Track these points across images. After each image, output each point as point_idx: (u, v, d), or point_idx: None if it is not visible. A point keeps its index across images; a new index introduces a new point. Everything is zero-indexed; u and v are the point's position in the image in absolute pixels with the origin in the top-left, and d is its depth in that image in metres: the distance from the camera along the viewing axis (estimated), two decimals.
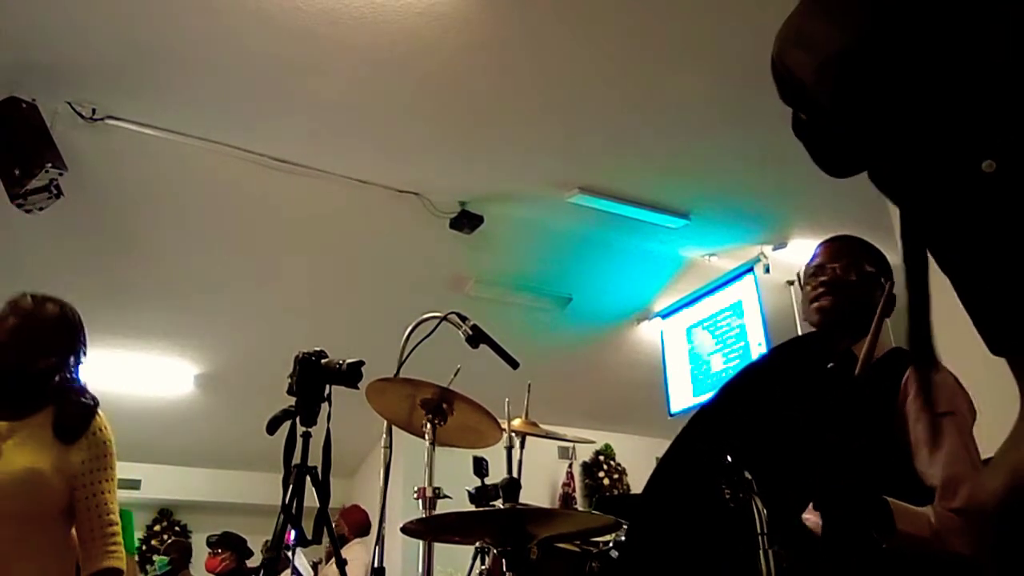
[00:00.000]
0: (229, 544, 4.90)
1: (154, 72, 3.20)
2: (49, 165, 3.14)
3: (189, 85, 3.29)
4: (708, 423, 1.15)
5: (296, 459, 1.84)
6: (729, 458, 0.99)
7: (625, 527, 1.74)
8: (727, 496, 0.97)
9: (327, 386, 1.91)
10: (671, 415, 4.98)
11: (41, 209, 3.32)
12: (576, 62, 3.20)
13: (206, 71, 3.20)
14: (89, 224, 3.98)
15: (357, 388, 1.95)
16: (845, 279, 1.48)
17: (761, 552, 0.91)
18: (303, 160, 3.81)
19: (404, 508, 2.49)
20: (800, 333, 4.36)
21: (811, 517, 1.32)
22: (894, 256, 1.66)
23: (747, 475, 0.96)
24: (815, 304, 1.50)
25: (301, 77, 3.26)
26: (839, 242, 1.57)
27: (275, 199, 4.06)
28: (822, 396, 1.42)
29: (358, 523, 4.94)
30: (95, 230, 4.05)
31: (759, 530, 0.92)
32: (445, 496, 2.07)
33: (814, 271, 1.52)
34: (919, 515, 1.22)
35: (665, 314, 5.25)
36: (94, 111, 3.37)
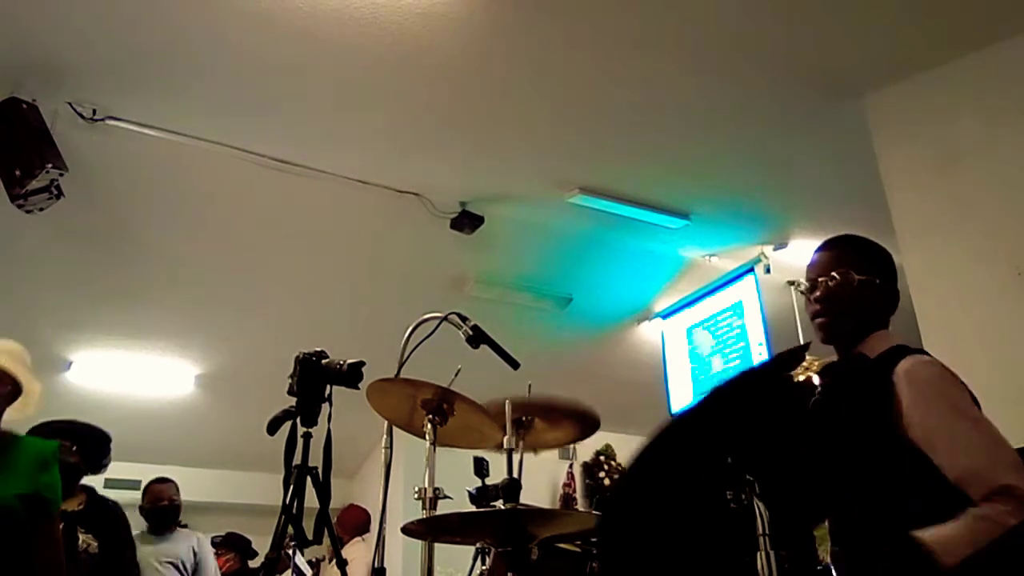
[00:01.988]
0: (233, 545, 4.89)
1: (154, 72, 3.20)
2: (50, 165, 3.14)
3: (190, 86, 3.29)
4: (697, 424, 1.14)
5: (297, 459, 1.84)
6: (730, 460, 0.99)
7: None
8: (729, 498, 0.97)
9: (328, 386, 1.91)
10: (672, 415, 4.98)
11: (42, 210, 3.32)
12: (577, 63, 3.20)
13: (207, 72, 3.20)
14: (89, 224, 3.98)
15: (358, 388, 1.95)
16: (839, 293, 1.50)
17: (763, 554, 0.91)
18: (304, 161, 3.81)
19: (405, 508, 2.48)
20: (800, 333, 4.35)
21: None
22: (894, 256, 1.66)
23: (749, 477, 0.96)
24: (816, 322, 1.53)
25: (302, 78, 3.26)
26: (830, 252, 1.58)
27: (276, 200, 4.06)
28: (823, 398, 1.42)
29: (354, 524, 4.93)
30: (95, 230, 4.05)
31: (761, 531, 0.92)
32: (446, 497, 2.07)
33: (809, 286, 1.55)
34: (956, 537, 1.19)
35: (666, 314, 5.25)
36: (95, 111, 3.37)
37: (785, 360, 1.17)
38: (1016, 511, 1.19)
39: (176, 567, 3.62)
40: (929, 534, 1.19)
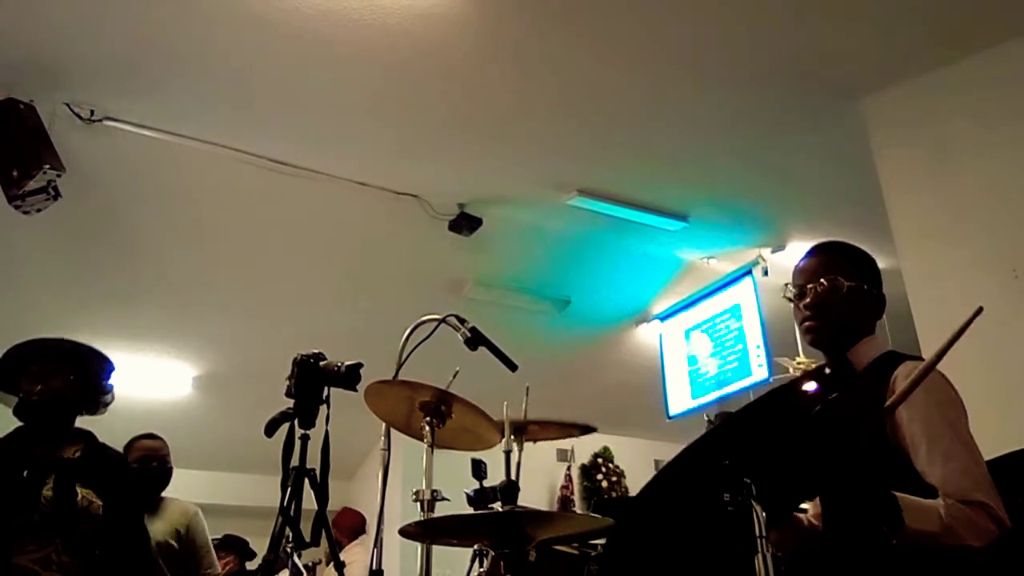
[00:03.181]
0: (231, 546, 4.89)
1: (153, 73, 3.20)
2: (47, 166, 3.14)
3: (188, 87, 3.29)
4: (717, 442, 1.15)
5: (294, 461, 1.83)
6: (728, 462, 1.00)
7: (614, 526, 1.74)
8: (726, 500, 0.97)
9: (325, 388, 1.90)
10: (669, 418, 4.98)
11: (39, 210, 3.31)
12: (575, 65, 3.21)
13: (205, 73, 3.20)
14: (87, 225, 3.98)
15: (356, 390, 1.95)
16: (828, 299, 1.51)
17: (760, 556, 0.91)
18: (302, 162, 3.81)
19: (403, 510, 2.48)
20: (798, 336, 4.36)
21: (811, 509, 1.32)
22: (887, 259, 1.66)
23: (746, 479, 0.96)
24: (804, 325, 1.54)
25: (300, 79, 3.26)
26: (817, 258, 1.59)
27: (274, 201, 4.06)
28: (818, 400, 1.42)
29: (350, 527, 4.93)
30: (93, 231, 4.04)
31: (758, 533, 0.92)
32: (443, 499, 2.06)
33: (798, 292, 1.55)
34: (928, 509, 1.23)
35: (664, 316, 5.25)
36: (92, 112, 3.37)
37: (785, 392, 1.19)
38: (991, 523, 1.22)
39: (163, 548, 2.86)
40: (905, 496, 1.22)
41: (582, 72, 3.25)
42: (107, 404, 2.38)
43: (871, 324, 1.55)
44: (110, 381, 2.38)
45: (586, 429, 2.59)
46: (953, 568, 1.22)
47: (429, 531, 1.94)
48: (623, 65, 3.20)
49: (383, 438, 2.24)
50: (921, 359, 1.47)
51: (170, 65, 3.15)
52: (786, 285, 1.60)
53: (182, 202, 4.03)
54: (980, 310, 1.11)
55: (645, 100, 3.42)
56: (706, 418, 4.47)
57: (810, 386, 1.36)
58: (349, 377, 1.89)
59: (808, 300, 1.52)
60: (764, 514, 0.93)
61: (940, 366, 1.43)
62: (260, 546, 1.93)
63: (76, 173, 3.42)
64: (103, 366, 2.36)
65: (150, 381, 5.37)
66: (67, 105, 3.32)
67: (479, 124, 3.59)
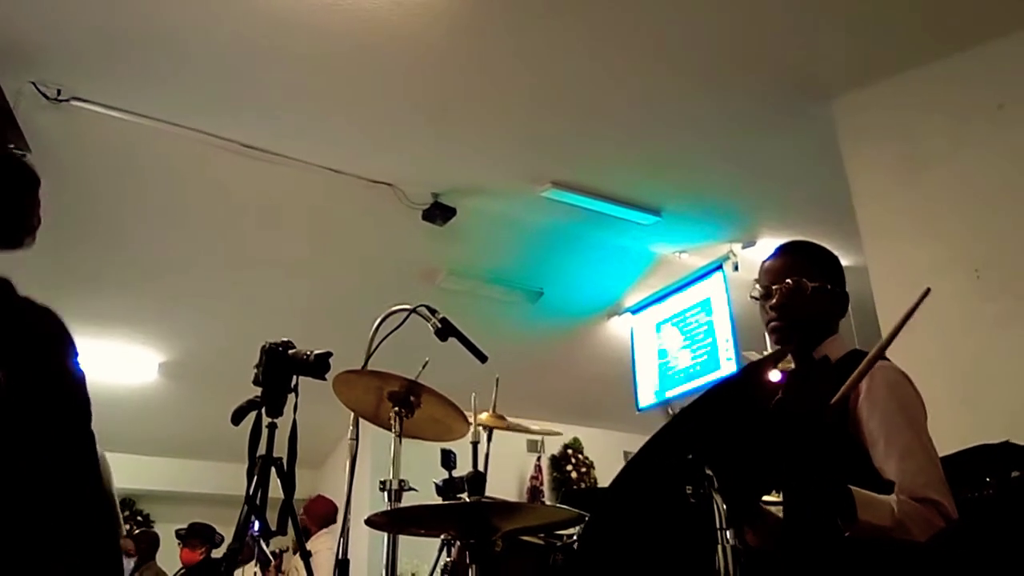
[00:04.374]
0: (199, 534, 4.86)
1: (122, 54, 3.13)
2: (11, 146, 3.06)
3: (158, 69, 3.22)
4: (680, 432, 1.17)
5: (261, 450, 1.82)
6: (691, 455, 1.01)
7: (587, 519, 1.76)
8: (688, 492, 0.99)
9: (294, 377, 1.89)
10: (639, 410, 5.03)
11: None
12: (552, 57, 3.21)
13: (176, 55, 3.14)
14: (52, 207, 3.84)
15: (325, 379, 1.94)
16: (793, 300, 1.53)
17: (720, 547, 0.93)
18: (274, 147, 3.76)
19: (372, 500, 2.47)
20: (767, 332, 4.43)
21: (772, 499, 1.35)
22: (855, 257, 1.69)
23: (707, 471, 0.98)
24: (771, 326, 1.57)
25: (274, 64, 3.21)
26: (782, 259, 1.61)
27: (245, 186, 4.00)
28: (785, 396, 1.45)
29: (321, 515, 4.92)
30: (58, 213, 3.91)
31: (718, 525, 0.94)
32: (411, 489, 2.07)
33: (764, 293, 1.57)
34: (882, 504, 1.26)
35: (635, 310, 5.29)
36: (59, 92, 3.28)
37: (758, 366, 1.20)
38: (941, 521, 1.25)
39: None
40: (859, 490, 1.24)
41: (558, 64, 3.25)
42: (30, 230, 1.53)
43: (835, 323, 1.58)
44: (20, 195, 1.51)
45: (551, 434, 2.61)
46: (902, 560, 1.26)
47: (395, 521, 1.94)
48: (600, 59, 3.21)
49: (351, 428, 2.23)
50: (887, 360, 1.50)
51: (141, 47, 3.08)
52: (755, 284, 1.61)
53: (151, 186, 3.96)
54: (928, 291, 1.13)
55: (621, 95, 3.43)
56: (669, 411, 4.53)
57: (775, 376, 1.39)
58: (318, 366, 1.88)
59: (774, 301, 1.55)
60: (725, 506, 0.95)
61: (902, 364, 1.47)
62: (227, 534, 1.91)
63: (42, 154, 3.34)
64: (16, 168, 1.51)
65: (115, 367, 5.28)
66: (33, 84, 3.23)
67: (455, 113, 3.57)
